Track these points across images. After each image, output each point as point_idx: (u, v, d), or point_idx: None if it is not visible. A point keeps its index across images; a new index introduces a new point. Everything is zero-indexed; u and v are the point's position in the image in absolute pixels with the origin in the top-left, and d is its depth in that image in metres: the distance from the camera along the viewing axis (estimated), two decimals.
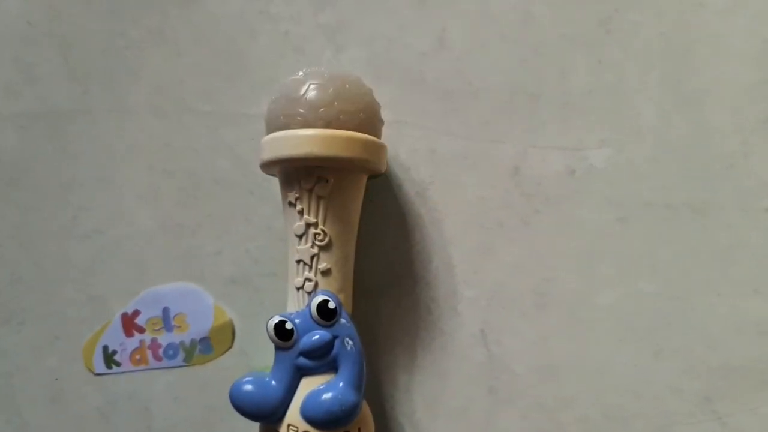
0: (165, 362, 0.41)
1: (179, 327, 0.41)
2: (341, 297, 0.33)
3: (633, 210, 0.39)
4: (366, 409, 0.34)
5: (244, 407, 0.33)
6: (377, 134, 0.35)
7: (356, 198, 0.35)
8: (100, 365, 0.41)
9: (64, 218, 0.42)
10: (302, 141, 0.32)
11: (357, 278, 0.37)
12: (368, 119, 0.34)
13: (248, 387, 0.33)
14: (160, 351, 0.41)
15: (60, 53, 0.42)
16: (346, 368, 0.32)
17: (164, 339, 0.41)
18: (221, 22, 0.42)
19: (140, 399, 0.40)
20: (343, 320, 0.32)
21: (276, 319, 0.32)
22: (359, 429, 0.32)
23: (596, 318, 0.39)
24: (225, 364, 0.41)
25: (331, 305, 0.32)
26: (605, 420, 0.40)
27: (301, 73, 0.34)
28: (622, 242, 0.39)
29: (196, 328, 0.40)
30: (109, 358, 0.41)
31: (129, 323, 0.41)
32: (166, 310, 0.40)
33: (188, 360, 0.41)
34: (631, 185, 0.39)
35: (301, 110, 0.33)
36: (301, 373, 0.33)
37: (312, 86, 0.33)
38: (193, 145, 0.42)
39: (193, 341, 0.41)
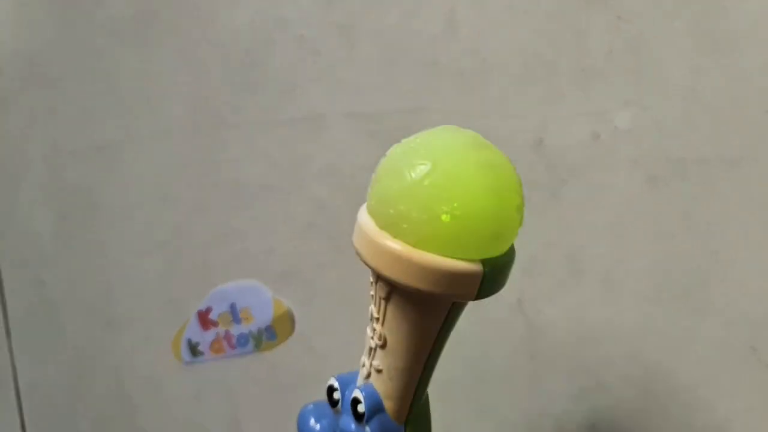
0: (239, 350, 0.40)
1: (246, 319, 0.39)
2: (387, 403, 0.26)
3: (663, 169, 0.34)
4: None
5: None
6: (473, 253, 0.22)
7: (424, 317, 0.24)
8: (187, 355, 0.41)
9: (137, 234, 0.41)
10: (359, 236, 0.23)
11: None
12: (445, 235, 0.21)
13: (303, 415, 0.29)
14: (234, 340, 0.40)
15: (106, 87, 0.42)
16: None
17: (235, 330, 0.40)
18: (239, 36, 0.38)
19: (224, 382, 0.40)
20: (368, 429, 0.26)
21: (330, 382, 0.28)
22: None
23: (632, 280, 0.35)
24: (290, 348, 0.40)
25: (360, 409, 0.26)
26: (647, 376, 0.35)
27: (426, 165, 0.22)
28: (653, 203, 0.34)
29: (260, 318, 0.39)
30: (194, 349, 0.42)
31: (204, 319, 0.40)
32: (233, 306, 0.40)
33: (258, 347, 0.40)
34: (659, 144, 0.34)
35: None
36: None
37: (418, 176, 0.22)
38: (232, 155, 0.39)
39: (259, 330, 0.40)
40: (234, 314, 0.40)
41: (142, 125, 0.40)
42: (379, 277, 0.23)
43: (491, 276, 0.23)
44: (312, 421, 0.28)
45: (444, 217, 0.21)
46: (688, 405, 0.36)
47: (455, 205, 0.21)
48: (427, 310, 0.24)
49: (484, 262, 0.22)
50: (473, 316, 0.37)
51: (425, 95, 0.37)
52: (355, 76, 0.38)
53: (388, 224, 0.22)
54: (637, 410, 0.36)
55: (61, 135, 0.40)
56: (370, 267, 0.23)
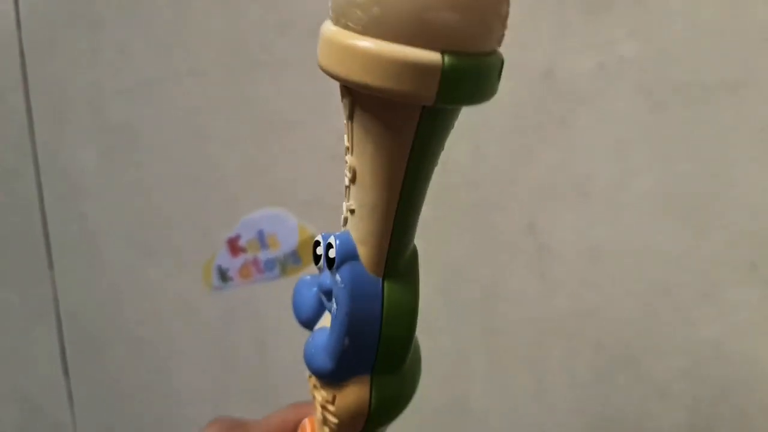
0: (266, 274, 0.42)
1: (273, 245, 0.41)
2: (362, 249, 0.22)
3: (666, 95, 0.35)
4: (358, 388, 0.24)
5: (292, 305, 0.26)
6: (429, 41, 0.18)
7: (390, 130, 0.20)
8: (218, 281, 0.43)
9: (172, 168, 0.43)
10: (320, 49, 0.19)
11: None
12: (392, 14, 0.17)
13: (298, 287, 0.26)
14: (261, 265, 0.41)
15: (145, 29, 0.45)
16: (330, 331, 0.23)
17: (263, 255, 0.42)
18: None
19: (252, 306, 0.42)
20: (338, 277, 0.22)
21: (316, 237, 0.24)
22: (334, 396, 0.24)
23: (637, 202, 0.36)
24: (314, 272, 0.45)
25: (331, 254, 0.22)
26: (651, 291, 0.37)
27: None
28: (656, 128, 0.35)
29: (286, 244, 0.41)
30: (224, 275, 0.45)
31: (234, 246, 0.42)
32: (260, 232, 0.42)
33: (284, 272, 0.42)
34: (662, 72, 0.35)
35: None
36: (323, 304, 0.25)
37: None
38: (261, 93, 0.41)
39: (285, 255, 0.41)
40: (262, 241, 0.42)
41: (179, 65, 0.42)
42: (343, 91, 0.20)
43: (456, 72, 0.18)
44: (304, 295, 0.25)
45: None
46: (690, 320, 0.37)
47: None
48: (390, 122, 0.20)
49: (449, 52, 0.18)
50: (486, 239, 0.39)
51: None
52: None
53: (338, 18, 0.18)
54: (640, 326, 0.38)
55: (102, 75, 0.43)
56: (328, 74, 0.19)
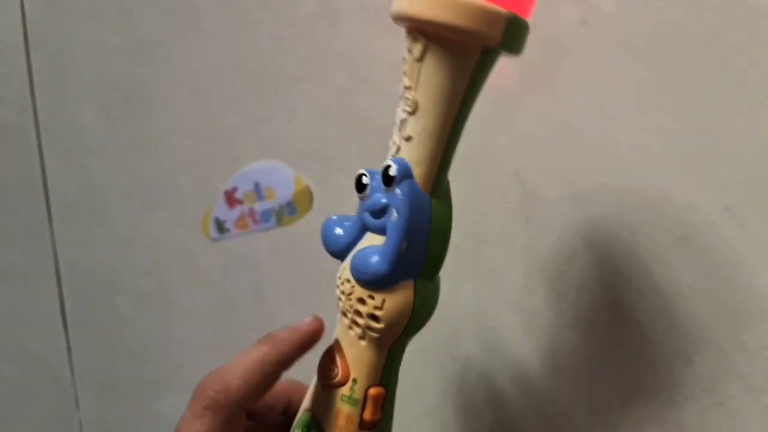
0: (262, 225, 0.43)
1: (268, 196, 0.42)
2: (416, 170, 0.27)
3: (646, 47, 0.36)
4: (405, 291, 0.28)
5: (324, 240, 0.31)
6: (499, 3, 0.26)
7: (455, 68, 0.27)
8: (215, 233, 0.44)
9: (172, 123, 0.44)
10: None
11: None
12: None
13: (329, 224, 0.31)
14: (257, 216, 0.42)
15: None
16: (388, 239, 0.28)
17: (259, 207, 0.43)
18: None
19: (249, 255, 0.43)
20: (398, 190, 0.27)
21: (360, 171, 0.29)
22: (383, 300, 0.28)
23: (618, 149, 0.37)
24: (308, 222, 0.42)
25: (392, 172, 0.27)
26: (631, 234, 0.38)
27: None
28: (637, 79, 0.37)
29: (282, 195, 0.42)
30: (221, 227, 0.45)
31: (230, 198, 0.43)
32: (257, 184, 0.42)
33: (279, 221, 0.43)
34: (642, 25, 0.36)
35: None
36: (366, 227, 0.30)
37: None
38: (259, 47, 0.42)
39: (281, 206, 0.42)
40: (258, 192, 0.43)
41: (179, 23, 0.43)
42: (416, 37, 0.26)
43: (514, 23, 0.27)
44: (337, 229, 0.30)
45: None
46: (666, 262, 0.38)
47: None
48: (457, 61, 0.26)
49: (510, 12, 0.26)
50: (473, 186, 0.40)
51: None
52: None
53: None
54: (621, 270, 0.39)
55: (104, 33, 0.44)
56: (413, 21, 0.26)
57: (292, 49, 0.42)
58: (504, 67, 0.39)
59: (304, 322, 0.29)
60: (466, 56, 0.27)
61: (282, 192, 0.43)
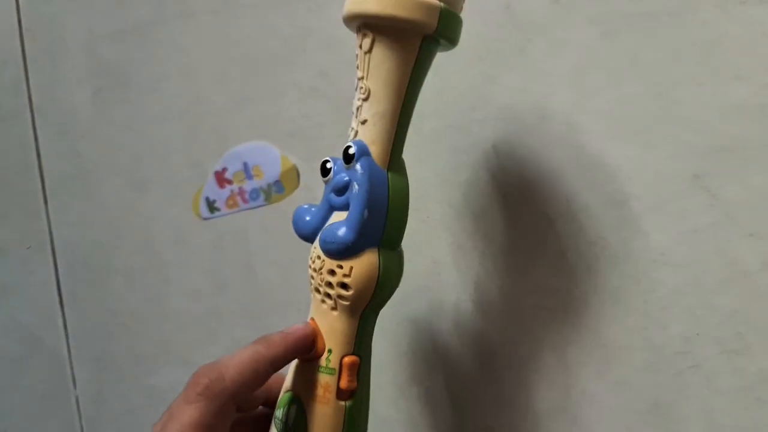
0: (251, 203, 0.45)
1: (257, 175, 0.44)
2: (372, 148, 0.31)
3: (615, 23, 0.38)
4: (371, 257, 0.30)
5: (295, 226, 0.34)
6: None
7: (400, 56, 0.30)
8: (205, 212, 0.45)
9: (163, 105, 0.45)
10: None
11: None
12: None
13: (299, 212, 0.34)
14: (246, 195, 0.44)
15: None
16: (351, 210, 0.30)
17: (248, 186, 0.44)
18: None
19: (239, 232, 0.44)
20: (358, 166, 0.30)
21: (324, 159, 0.32)
22: (351, 268, 0.30)
23: (590, 122, 0.39)
24: (296, 199, 0.44)
25: (351, 151, 0.30)
26: (604, 206, 0.39)
27: None
28: (606, 54, 0.38)
29: (270, 174, 0.43)
30: (211, 206, 0.47)
31: (220, 178, 0.45)
32: (245, 164, 0.44)
33: (268, 199, 0.44)
34: (610, 1, 0.38)
35: None
36: (332, 207, 0.32)
37: None
38: (244, 32, 0.43)
39: (269, 185, 0.44)
40: (247, 172, 0.44)
41: (168, 8, 0.44)
42: (363, 33, 0.30)
43: (448, 16, 0.30)
44: (306, 216, 0.33)
45: None
46: (639, 229, 0.40)
47: None
48: (401, 49, 0.30)
49: (443, 2, 0.30)
50: (451, 162, 0.42)
51: None
52: None
53: None
54: (595, 237, 0.40)
55: (95, 18, 0.45)
56: (359, 17, 0.29)
57: (277, 32, 0.44)
58: (479, 45, 0.41)
59: (295, 327, 0.31)
60: (409, 45, 0.30)
61: (270, 171, 0.44)
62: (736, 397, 0.36)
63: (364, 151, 0.30)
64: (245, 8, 0.44)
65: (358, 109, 0.31)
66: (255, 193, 0.45)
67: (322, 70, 0.43)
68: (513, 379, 0.41)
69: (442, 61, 0.41)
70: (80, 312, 0.48)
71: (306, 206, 0.33)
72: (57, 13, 0.46)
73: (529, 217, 0.41)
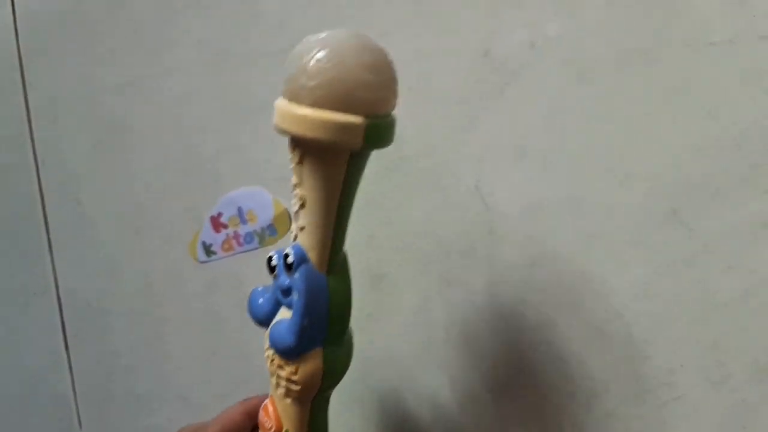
0: (245, 246, 0.46)
1: (251, 220, 0.45)
2: (311, 254, 0.31)
3: (589, 67, 0.39)
4: (315, 358, 0.31)
5: (249, 309, 0.34)
6: (356, 110, 0.28)
7: (329, 170, 0.30)
8: (202, 255, 0.47)
9: (158, 154, 0.47)
10: (276, 117, 0.30)
11: None
12: (332, 94, 0.27)
13: (254, 294, 0.34)
14: (241, 239, 0.45)
15: (130, 30, 0.51)
16: (293, 316, 0.31)
17: (242, 230, 0.45)
18: None
19: (234, 275, 0.46)
20: (297, 275, 0.30)
21: (270, 253, 0.33)
22: (297, 368, 0.31)
23: (570, 160, 0.40)
24: (288, 242, 0.48)
25: (289, 260, 0.31)
26: (585, 241, 0.40)
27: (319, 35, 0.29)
28: (582, 96, 0.39)
29: (263, 218, 0.45)
30: (208, 250, 0.49)
31: (216, 222, 0.46)
32: (240, 209, 0.45)
33: (262, 242, 0.46)
34: (584, 46, 0.39)
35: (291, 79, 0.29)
36: (278, 302, 0.33)
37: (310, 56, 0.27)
38: (234, 83, 0.45)
39: (262, 228, 0.45)
40: (241, 216, 0.46)
41: (161, 62, 0.46)
42: (294, 145, 0.30)
43: (374, 129, 0.28)
44: (260, 300, 0.34)
45: (328, 83, 0.27)
46: (618, 262, 0.40)
47: (339, 74, 0.27)
48: (330, 163, 0.29)
49: (368, 117, 0.28)
50: (438, 201, 0.43)
51: (389, 21, 0.43)
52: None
53: (293, 96, 0.28)
54: (577, 276, 0.41)
55: (91, 73, 0.47)
56: (287, 134, 0.29)
57: (262, 83, 0.45)
58: (461, 89, 0.42)
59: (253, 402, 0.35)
60: (337, 160, 0.29)
61: (263, 215, 0.45)
62: (720, 427, 0.36)
63: (303, 259, 0.31)
64: (233, 60, 0.45)
65: (295, 214, 0.31)
66: (249, 237, 0.46)
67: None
68: (501, 411, 0.41)
69: (425, 103, 0.42)
70: (84, 354, 0.50)
71: (260, 288, 0.34)
72: (55, 69, 0.47)
73: (511, 254, 0.42)
